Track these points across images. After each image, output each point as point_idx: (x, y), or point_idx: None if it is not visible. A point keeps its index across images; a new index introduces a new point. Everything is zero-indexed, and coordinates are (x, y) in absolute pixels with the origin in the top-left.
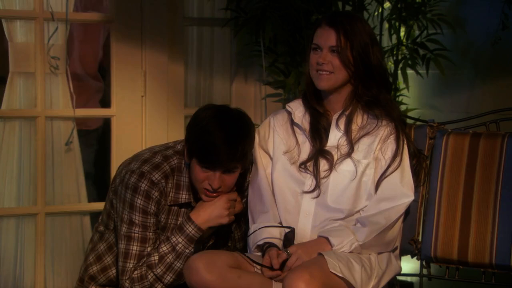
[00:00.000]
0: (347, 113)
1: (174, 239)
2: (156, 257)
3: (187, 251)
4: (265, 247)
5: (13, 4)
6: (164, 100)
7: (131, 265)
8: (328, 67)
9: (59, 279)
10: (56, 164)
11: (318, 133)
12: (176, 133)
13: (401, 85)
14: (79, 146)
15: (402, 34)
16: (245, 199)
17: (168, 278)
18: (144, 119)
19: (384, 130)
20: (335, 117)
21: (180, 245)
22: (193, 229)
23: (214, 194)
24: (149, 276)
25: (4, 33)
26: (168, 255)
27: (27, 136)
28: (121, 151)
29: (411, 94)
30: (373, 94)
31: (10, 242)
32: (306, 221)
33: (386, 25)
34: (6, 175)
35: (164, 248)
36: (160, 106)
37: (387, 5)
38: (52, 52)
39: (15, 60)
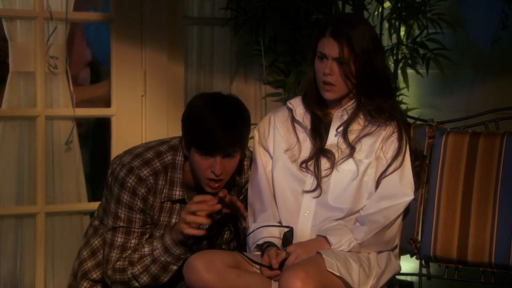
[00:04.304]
0: (348, 115)
1: (155, 243)
2: (138, 256)
3: (162, 259)
4: (264, 247)
5: (13, 3)
6: (164, 100)
7: (114, 255)
8: (333, 78)
9: (59, 279)
10: (56, 164)
11: (319, 132)
12: (176, 132)
13: (401, 84)
14: (79, 146)
15: (402, 33)
16: (242, 197)
17: (144, 279)
18: (144, 119)
19: (387, 130)
20: (336, 114)
21: (157, 251)
22: (169, 239)
23: (217, 185)
24: (128, 272)
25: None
26: (147, 257)
27: (27, 135)
28: (121, 150)
29: (411, 93)
30: (377, 103)
31: (9, 242)
32: (306, 220)
33: (386, 25)
34: (6, 175)
35: (146, 249)
36: (160, 105)
37: (387, 4)
38: (52, 51)
39: (15, 59)
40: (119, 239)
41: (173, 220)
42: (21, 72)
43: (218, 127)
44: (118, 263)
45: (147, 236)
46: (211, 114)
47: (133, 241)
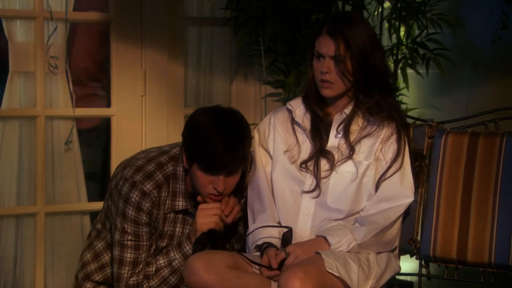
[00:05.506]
0: (347, 115)
1: (172, 254)
2: (153, 269)
3: (183, 268)
4: (263, 247)
5: (13, 3)
6: (164, 100)
7: (125, 272)
8: (330, 76)
9: (59, 279)
10: (56, 164)
11: (319, 133)
12: (176, 132)
13: (401, 84)
14: (79, 146)
15: (402, 33)
16: (243, 200)
17: None
18: (144, 119)
19: (386, 131)
20: (336, 118)
21: (176, 261)
22: (190, 248)
23: (219, 197)
24: (144, 286)
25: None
26: (164, 269)
27: (27, 135)
28: (121, 150)
29: (411, 93)
30: (375, 101)
31: (9, 242)
32: (306, 220)
33: (386, 25)
34: (6, 175)
35: (162, 262)
36: (160, 105)
37: (387, 4)
38: (52, 51)
39: (15, 59)
40: (129, 255)
41: (177, 229)
42: (21, 72)
43: (223, 148)
44: (131, 279)
45: (153, 247)
46: (216, 134)
47: (143, 255)
